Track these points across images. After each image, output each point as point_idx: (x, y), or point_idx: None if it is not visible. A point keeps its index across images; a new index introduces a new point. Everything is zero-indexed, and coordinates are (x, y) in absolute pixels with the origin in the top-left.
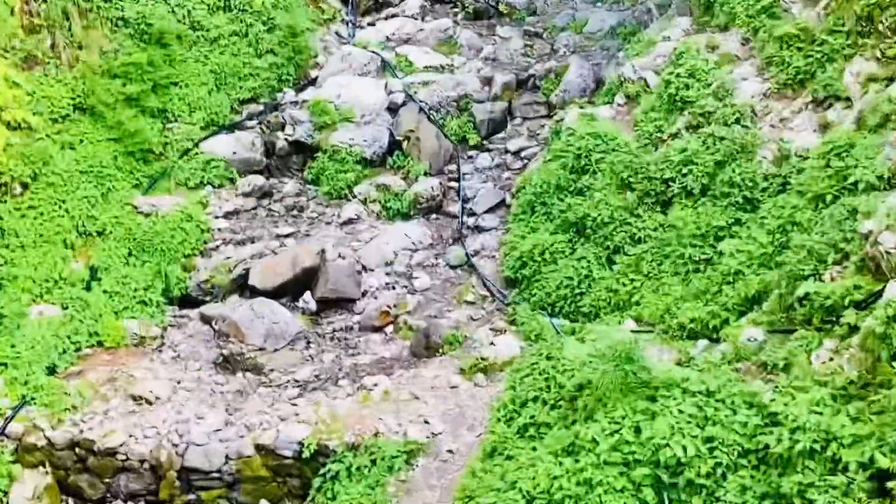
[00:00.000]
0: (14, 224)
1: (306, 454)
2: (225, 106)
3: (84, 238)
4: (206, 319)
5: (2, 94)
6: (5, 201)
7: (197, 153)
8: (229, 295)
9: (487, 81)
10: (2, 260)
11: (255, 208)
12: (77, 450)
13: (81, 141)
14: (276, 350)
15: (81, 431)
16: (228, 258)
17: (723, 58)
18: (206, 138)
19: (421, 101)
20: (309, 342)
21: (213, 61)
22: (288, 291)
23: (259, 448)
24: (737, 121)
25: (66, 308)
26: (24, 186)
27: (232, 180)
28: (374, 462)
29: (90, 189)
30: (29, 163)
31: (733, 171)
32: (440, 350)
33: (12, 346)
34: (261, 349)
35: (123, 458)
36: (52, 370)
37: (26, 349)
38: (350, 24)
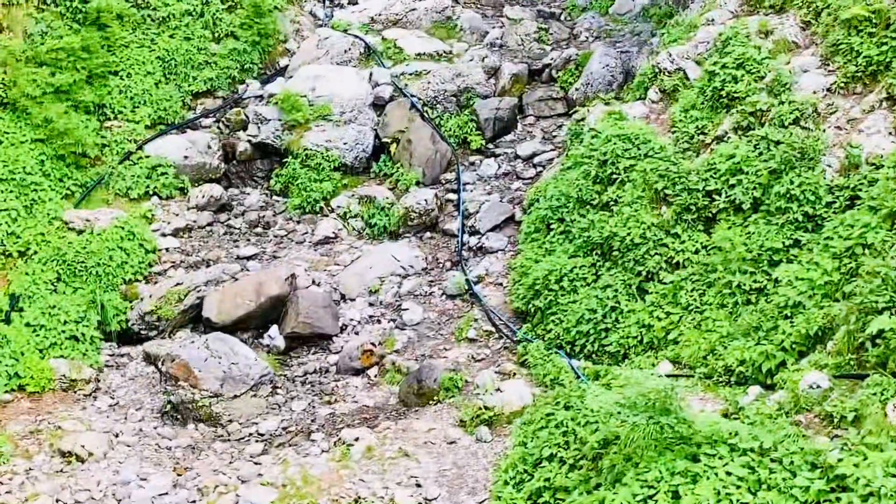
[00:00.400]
0: None
1: None
2: (175, 100)
3: (3, 259)
4: (150, 359)
5: None
6: None
7: (141, 157)
8: (179, 329)
9: (493, 72)
10: None
11: (210, 224)
12: None
13: (0, 142)
14: (235, 397)
15: None
16: (178, 285)
17: (778, 45)
18: (152, 139)
19: (413, 96)
20: (276, 387)
21: (161, 46)
22: (250, 325)
23: None
24: (795, 121)
25: None
26: None
27: (183, 190)
28: None
29: (11, 200)
30: None
31: (791, 181)
32: (435, 397)
33: None
34: (217, 395)
35: None
36: None
37: None
38: (327, 3)
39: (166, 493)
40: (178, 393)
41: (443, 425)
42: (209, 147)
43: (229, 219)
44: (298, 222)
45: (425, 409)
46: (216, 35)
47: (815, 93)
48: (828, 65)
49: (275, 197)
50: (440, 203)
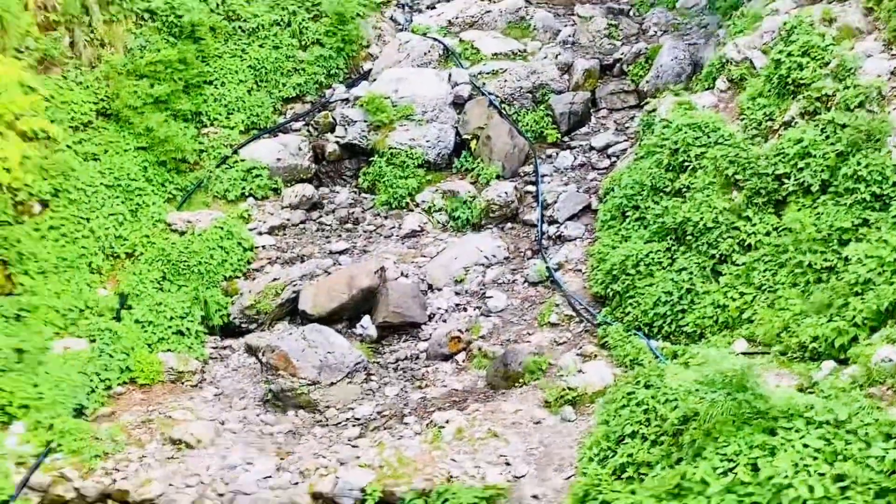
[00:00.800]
0: (33, 247)
1: (370, 503)
2: (266, 106)
3: (112, 261)
4: (251, 350)
5: (16, 100)
6: (23, 221)
7: (236, 161)
8: (277, 322)
9: (567, 68)
10: (21, 288)
11: (303, 222)
12: (110, 502)
13: (106, 151)
14: (331, 384)
15: (114, 481)
16: (275, 280)
17: (842, 32)
18: (246, 144)
19: (490, 94)
20: (369, 374)
21: (251, 56)
22: (344, 316)
23: (316, 497)
24: (861, 105)
25: (94, 341)
26: (44, 204)
27: (276, 191)
28: None
29: (117, 205)
30: (49, 177)
31: (858, 163)
32: (521, 380)
33: (35, 386)
34: (314, 383)
35: None
36: (79, 412)
37: (50, 389)
38: (406, 8)
39: (270, 476)
40: (279, 382)
41: (529, 406)
42: (300, 149)
43: (321, 216)
44: (386, 217)
45: (512, 391)
46: (303, 43)
47: (879, 76)
48: (891, 49)
49: (363, 194)
50: (519, 195)
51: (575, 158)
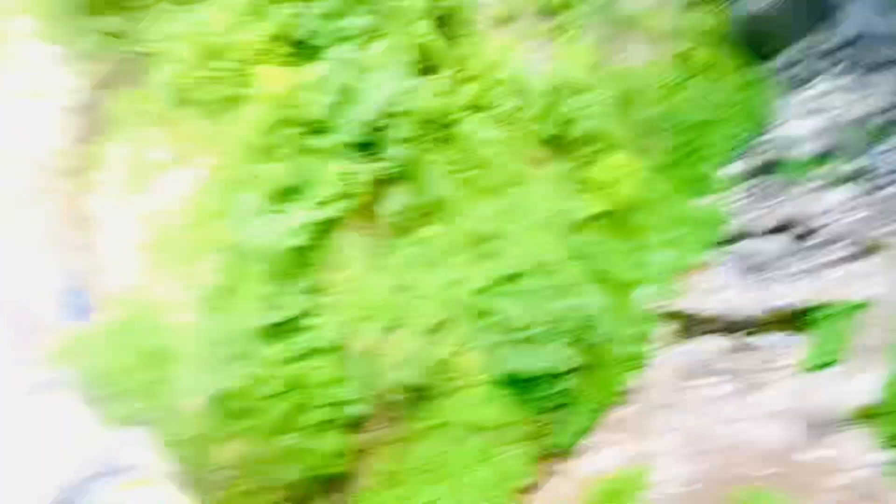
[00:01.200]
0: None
1: (805, 309)
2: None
3: (682, 221)
4: (737, 249)
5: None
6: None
7: (721, 180)
8: (745, 239)
9: None
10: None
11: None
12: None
13: (659, 195)
14: (775, 262)
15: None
16: (749, 219)
17: None
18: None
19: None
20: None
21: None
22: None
23: (771, 308)
24: None
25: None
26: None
27: (732, 186)
28: (843, 314)
29: (677, 198)
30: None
31: None
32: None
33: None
34: (769, 257)
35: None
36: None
37: (651, 273)
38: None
39: (740, 299)
40: (753, 259)
41: None
42: (738, 167)
43: (761, 191)
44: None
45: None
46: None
47: None
48: None
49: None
50: None
51: None
